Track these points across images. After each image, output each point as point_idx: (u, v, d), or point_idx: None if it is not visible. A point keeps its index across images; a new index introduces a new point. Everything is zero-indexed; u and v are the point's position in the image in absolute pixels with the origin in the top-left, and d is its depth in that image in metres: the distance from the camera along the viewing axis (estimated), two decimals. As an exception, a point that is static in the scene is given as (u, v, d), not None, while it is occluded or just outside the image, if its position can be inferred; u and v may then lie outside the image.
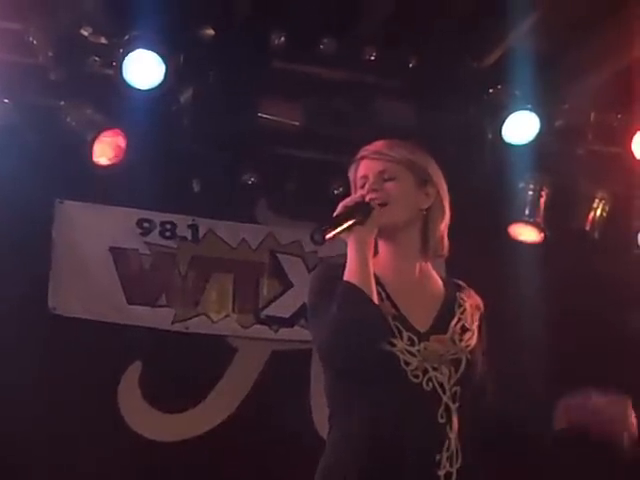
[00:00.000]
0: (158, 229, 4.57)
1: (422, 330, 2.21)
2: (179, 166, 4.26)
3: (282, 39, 4.00)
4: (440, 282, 2.35)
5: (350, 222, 2.17)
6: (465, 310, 2.30)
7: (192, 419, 4.51)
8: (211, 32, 3.98)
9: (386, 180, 2.28)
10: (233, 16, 4.02)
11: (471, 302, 2.33)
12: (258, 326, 4.66)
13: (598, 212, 4.62)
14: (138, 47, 3.73)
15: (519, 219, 4.57)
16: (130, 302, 4.47)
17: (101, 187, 4.26)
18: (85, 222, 4.47)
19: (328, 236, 2.14)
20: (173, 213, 4.61)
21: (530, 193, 4.53)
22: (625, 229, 4.63)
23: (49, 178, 4.24)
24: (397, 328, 2.17)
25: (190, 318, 4.57)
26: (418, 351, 2.16)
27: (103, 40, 3.82)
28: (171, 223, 4.60)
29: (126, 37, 3.76)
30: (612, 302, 4.71)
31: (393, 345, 2.15)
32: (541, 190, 4.53)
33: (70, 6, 3.74)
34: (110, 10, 3.83)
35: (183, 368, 4.40)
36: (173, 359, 4.43)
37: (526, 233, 4.60)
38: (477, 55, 4.26)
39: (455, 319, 2.26)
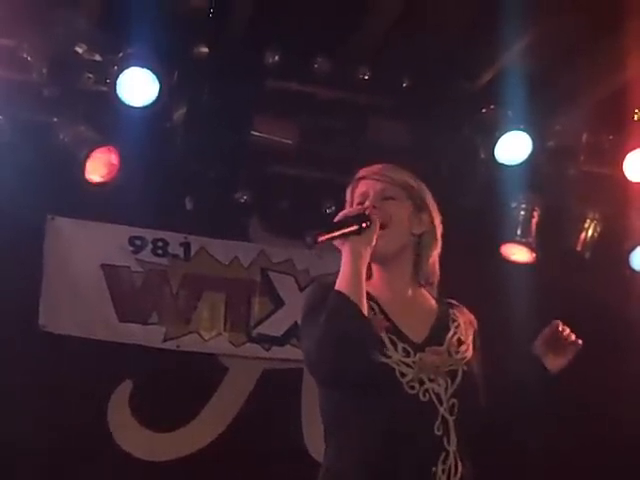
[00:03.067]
0: (150, 246, 4.55)
1: (417, 341, 2.22)
2: (172, 184, 4.26)
3: (276, 57, 4.01)
4: (433, 301, 2.36)
5: (347, 230, 2.15)
6: (459, 325, 2.32)
7: (182, 438, 4.48)
8: (205, 50, 3.99)
9: (386, 199, 2.30)
10: (227, 34, 4.03)
11: (464, 319, 2.35)
12: (250, 344, 4.64)
13: (589, 232, 4.63)
14: (132, 65, 3.72)
15: (511, 239, 4.58)
16: (121, 320, 4.44)
17: (93, 204, 4.23)
18: (77, 239, 4.44)
19: (320, 239, 2.12)
20: (165, 230, 4.59)
21: (522, 213, 4.53)
22: (616, 249, 4.63)
23: (41, 194, 4.20)
24: (391, 340, 2.17)
25: (181, 336, 4.54)
26: (414, 362, 2.16)
27: (97, 57, 3.81)
28: (163, 241, 4.58)
29: (120, 54, 3.77)
30: (603, 323, 4.71)
31: (388, 357, 2.15)
32: (533, 210, 4.53)
33: (65, 23, 3.74)
34: (105, 27, 3.83)
35: (174, 387, 4.39)
36: (164, 377, 4.40)
37: (518, 253, 4.60)
38: (470, 75, 4.28)
39: (451, 332, 2.28)
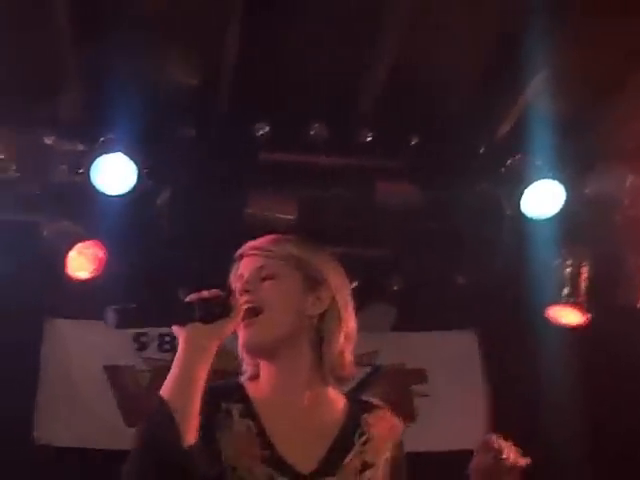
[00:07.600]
0: (156, 342, 4.30)
1: (305, 472, 1.76)
2: (165, 275, 3.92)
3: (267, 129, 3.69)
4: (340, 405, 1.89)
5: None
6: (370, 439, 1.84)
7: None
8: (191, 130, 3.69)
9: (264, 279, 1.86)
10: (213, 110, 3.74)
11: (381, 427, 1.87)
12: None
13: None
14: (105, 152, 3.48)
15: (558, 300, 4.09)
16: (129, 424, 4.13)
17: (89, 302, 3.94)
18: (77, 340, 4.24)
19: (118, 325, 1.69)
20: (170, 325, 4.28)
21: (568, 270, 4.08)
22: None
23: (35, 297, 4.02)
24: (267, 474, 1.73)
25: (196, 437, 4.18)
26: None
27: (69, 147, 3.58)
28: (169, 335, 4.22)
29: (98, 142, 3.52)
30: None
31: None
32: (580, 265, 4.07)
33: (30, 112, 3.53)
34: (79, 116, 3.62)
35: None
36: (179, 483, 4.02)
37: (568, 315, 4.16)
38: (488, 124, 3.88)
39: (351, 454, 1.81)
